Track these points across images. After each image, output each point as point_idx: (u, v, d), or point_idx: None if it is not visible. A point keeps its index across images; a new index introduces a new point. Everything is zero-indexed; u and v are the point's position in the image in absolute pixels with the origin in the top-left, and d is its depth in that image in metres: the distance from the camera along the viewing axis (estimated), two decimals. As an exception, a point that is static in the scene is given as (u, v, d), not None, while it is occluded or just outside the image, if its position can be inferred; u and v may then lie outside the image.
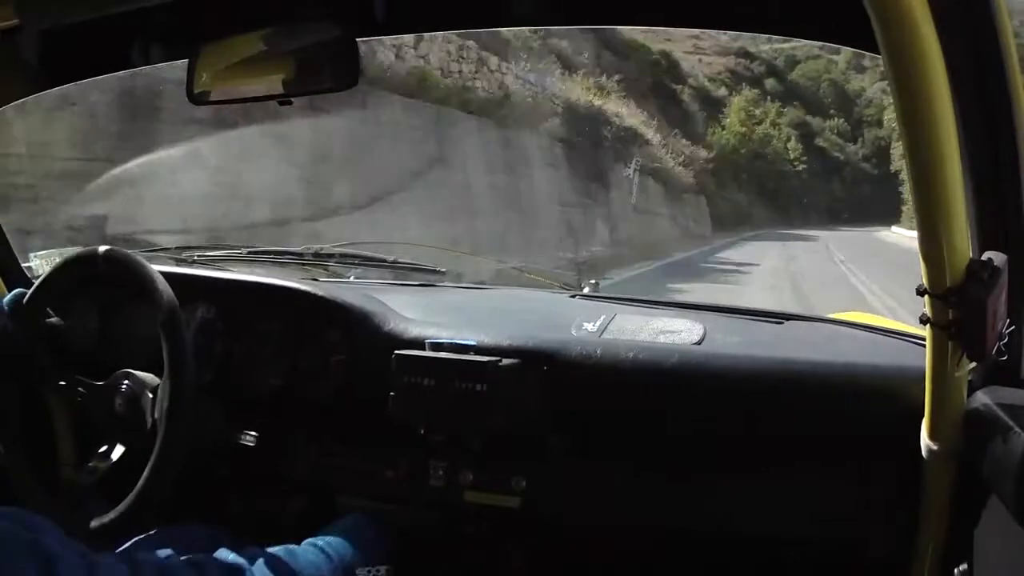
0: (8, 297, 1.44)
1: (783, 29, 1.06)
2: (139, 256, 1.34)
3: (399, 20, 1.20)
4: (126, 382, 1.31)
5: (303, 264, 1.78)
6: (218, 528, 1.30)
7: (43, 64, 1.33)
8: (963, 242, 0.81)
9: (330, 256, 1.78)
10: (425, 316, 1.44)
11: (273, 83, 1.01)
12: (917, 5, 0.69)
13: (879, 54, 0.71)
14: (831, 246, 22.63)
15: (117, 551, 1.20)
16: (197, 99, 1.07)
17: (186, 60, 1.09)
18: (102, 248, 1.36)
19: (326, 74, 1.00)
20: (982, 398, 0.90)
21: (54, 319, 1.43)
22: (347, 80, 1.00)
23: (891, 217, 35.25)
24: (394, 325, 1.38)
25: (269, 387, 1.44)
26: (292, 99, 1.05)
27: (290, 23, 1.00)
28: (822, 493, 1.19)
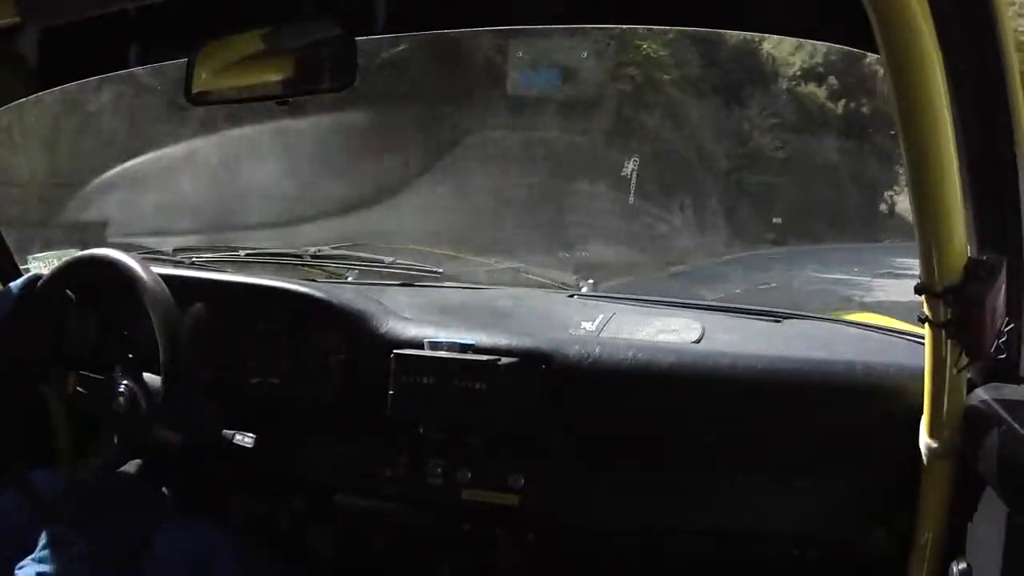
0: (20, 280, 1.43)
1: (784, 30, 1.07)
2: (138, 258, 1.34)
3: (398, 20, 1.20)
4: (125, 381, 1.31)
5: (301, 265, 1.78)
6: (220, 529, 1.30)
7: (43, 64, 1.33)
8: (961, 241, 0.81)
9: (328, 257, 1.78)
10: (423, 316, 1.44)
11: (271, 83, 1.01)
12: (917, 5, 0.69)
13: (878, 54, 0.71)
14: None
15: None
16: (195, 99, 1.07)
17: (184, 60, 1.09)
18: (101, 251, 1.36)
19: (324, 74, 1.00)
20: (981, 396, 0.90)
21: (69, 303, 1.43)
22: (345, 80, 1.00)
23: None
24: (392, 325, 1.38)
25: (268, 388, 1.44)
26: (290, 99, 1.05)
27: (289, 23, 1.00)
28: (821, 491, 1.19)
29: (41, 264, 1.76)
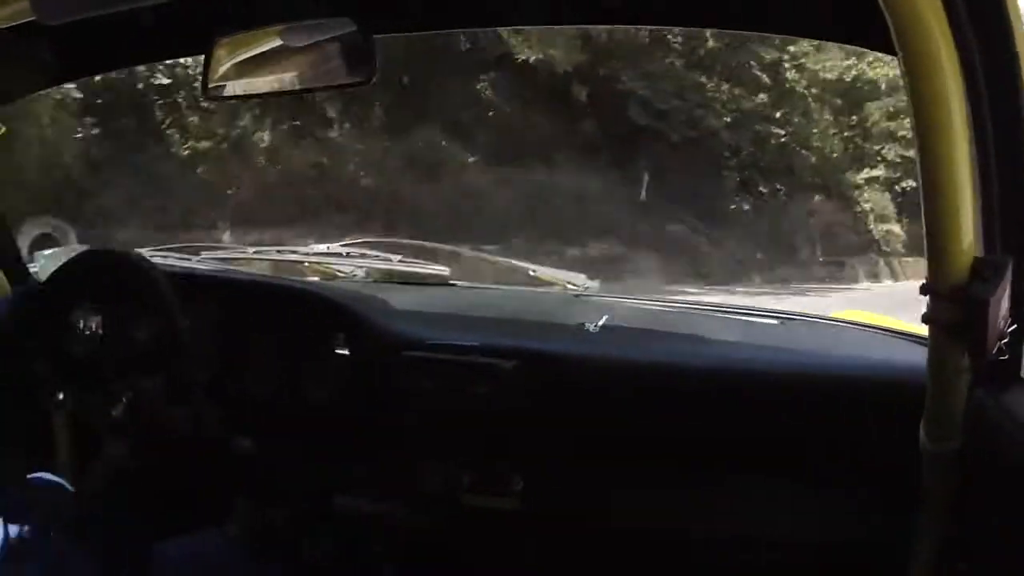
0: (22, 288, 1.42)
1: (799, 30, 1.07)
2: (142, 255, 1.35)
3: (417, 16, 1.20)
4: (125, 388, 1.30)
5: (307, 264, 1.79)
6: (222, 533, 1.30)
7: (58, 59, 1.33)
8: (968, 241, 0.81)
9: (334, 256, 1.79)
10: (428, 316, 1.44)
11: (288, 78, 1.02)
12: (932, 7, 0.70)
13: (894, 55, 0.72)
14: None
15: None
16: (211, 94, 1.07)
17: (201, 55, 1.09)
18: (106, 248, 1.37)
19: (342, 69, 1.00)
20: (983, 397, 0.91)
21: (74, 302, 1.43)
22: (363, 75, 1.01)
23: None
24: (397, 325, 1.38)
25: (271, 387, 1.44)
26: (304, 94, 1.05)
27: (306, 18, 1.00)
28: (823, 493, 1.19)
29: (48, 261, 1.75)
